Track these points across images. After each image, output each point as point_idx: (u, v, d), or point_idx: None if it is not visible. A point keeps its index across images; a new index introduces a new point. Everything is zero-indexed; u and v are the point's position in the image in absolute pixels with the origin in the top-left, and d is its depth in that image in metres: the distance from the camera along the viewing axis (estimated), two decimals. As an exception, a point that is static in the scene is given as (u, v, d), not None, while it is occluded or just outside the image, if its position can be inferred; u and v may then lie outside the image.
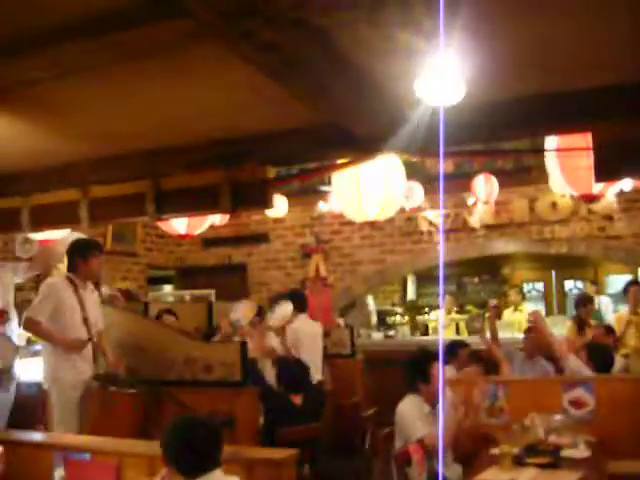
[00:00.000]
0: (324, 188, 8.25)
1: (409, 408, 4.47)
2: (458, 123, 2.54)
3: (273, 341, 6.62)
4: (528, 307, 9.97)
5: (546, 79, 2.75)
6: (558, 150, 3.50)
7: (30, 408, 5.07)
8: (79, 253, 4.99)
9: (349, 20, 2.14)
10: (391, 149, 3.00)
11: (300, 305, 6.89)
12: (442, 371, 4.54)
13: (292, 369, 5.72)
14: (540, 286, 12.21)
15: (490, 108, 2.83)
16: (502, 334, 8.15)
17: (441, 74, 2.08)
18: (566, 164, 3.72)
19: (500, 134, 3.03)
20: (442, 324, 7.63)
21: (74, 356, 4.70)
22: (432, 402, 4.48)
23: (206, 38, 2.18)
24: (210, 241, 10.29)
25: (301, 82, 2.53)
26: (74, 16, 2.16)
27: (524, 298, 10.57)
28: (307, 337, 6.72)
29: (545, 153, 3.68)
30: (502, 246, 9.32)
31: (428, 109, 2.26)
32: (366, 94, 2.69)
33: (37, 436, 4.12)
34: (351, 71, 2.52)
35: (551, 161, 3.82)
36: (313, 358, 6.62)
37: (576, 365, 5.32)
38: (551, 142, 3.66)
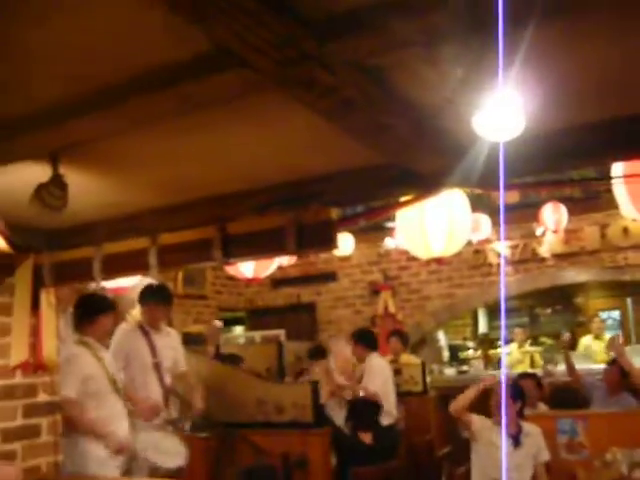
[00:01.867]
0: (389, 224, 8.25)
1: None
2: (518, 155, 2.51)
3: (339, 379, 6.61)
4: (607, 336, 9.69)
5: (608, 105, 2.70)
6: (624, 177, 3.42)
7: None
8: (140, 300, 5.16)
9: (404, 59, 2.15)
10: (452, 184, 2.97)
11: (370, 344, 6.86)
12: (505, 405, 4.43)
13: (361, 408, 5.70)
14: (616, 314, 11.85)
15: (550, 138, 2.79)
16: (580, 365, 7.94)
17: (500, 108, 2.06)
18: (634, 190, 3.64)
19: (561, 164, 2.97)
20: (504, 357, 7.50)
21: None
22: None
23: (266, 85, 2.22)
24: (279, 281, 10.39)
25: (361, 123, 2.54)
26: (138, 70, 2.22)
27: (604, 326, 10.26)
28: (380, 375, 6.68)
29: (612, 181, 3.60)
30: (574, 275, 9.13)
31: (488, 142, 2.23)
32: (426, 131, 2.68)
33: (115, 482, 4.17)
34: (410, 109, 2.52)
35: (619, 187, 3.74)
36: (387, 396, 6.59)
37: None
38: (617, 168, 3.58)
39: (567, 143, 2.79)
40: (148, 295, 5.23)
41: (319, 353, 7.17)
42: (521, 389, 5.13)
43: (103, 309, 4.59)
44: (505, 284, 9.32)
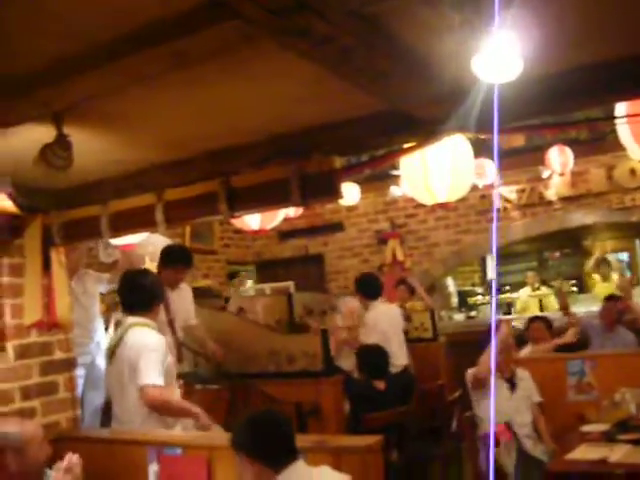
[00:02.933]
0: (395, 172, 8.23)
1: None
2: (517, 98, 2.51)
3: (342, 335, 6.62)
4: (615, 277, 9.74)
5: (608, 45, 2.68)
6: (628, 117, 3.40)
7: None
8: (162, 261, 5.19)
9: (401, 4, 2.14)
10: (452, 129, 2.97)
11: (368, 291, 6.81)
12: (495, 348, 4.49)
13: (371, 355, 5.76)
14: (624, 256, 11.86)
15: (549, 80, 2.77)
16: (590, 308, 8.00)
17: (498, 50, 2.05)
18: (638, 130, 3.62)
19: (561, 106, 2.96)
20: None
21: None
22: None
23: (261, 37, 2.21)
24: (286, 233, 10.43)
25: (360, 71, 2.54)
26: (133, 26, 2.23)
27: (610, 268, 10.30)
28: (383, 323, 6.65)
29: (616, 120, 3.58)
30: (581, 217, 9.12)
31: (486, 87, 2.23)
32: (425, 77, 2.68)
33: (131, 433, 4.26)
34: (408, 55, 2.52)
35: (623, 128, 3.72)
36: (394, 343, 6.59)
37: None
38: (621, 109, 3.56)
39: (566, 85, 2.78)
40: (173, 258, 5.27)
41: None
42: (521, 337, 5.22)
43: (160, 297, 4.44)
44: (512, 228, 9.33)
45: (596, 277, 10.39)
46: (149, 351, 3.86)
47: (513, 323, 7.53)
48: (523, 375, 4.98)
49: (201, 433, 3.90)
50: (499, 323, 5.45)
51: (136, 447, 3.87)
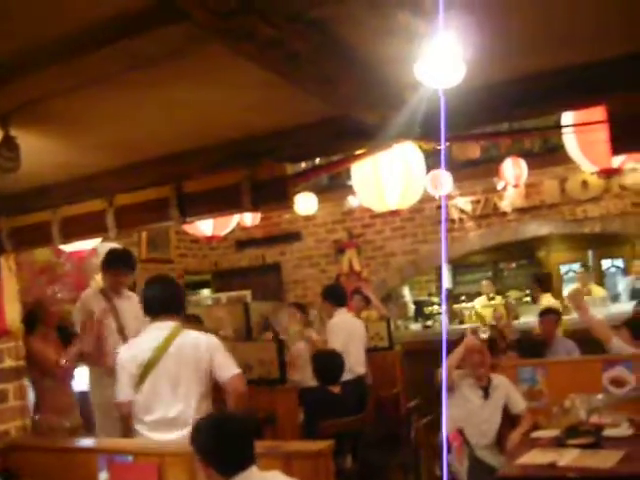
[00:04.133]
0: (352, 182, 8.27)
1: None
2: (460, 107, 2.55)
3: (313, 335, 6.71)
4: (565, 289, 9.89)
5: (552, 54, 2.74)
6: (574, 126, 3.48)
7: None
8: (103, 265, 5.15)
9: (346, 9, 2.17)
10: (398, 136, 3.01)
11: (336, 300, 6.94)
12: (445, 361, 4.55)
13: (327, 360, 5.77)
14: (577, 267, 12.07)
15: (492, 89, 2.82)
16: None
17: (440, 55, 2.09)
18: (583, 140, 3.69)
19: (504, 115, 3.01)
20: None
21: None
22: None
23: (210, 40, 2.22)
24: (243, 243, 10.42)
25: (307, 76, 2.56)
26: (84, 25, 2.22)
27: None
28: (344, 330, 6.75)
29: (562, 130, 3.65)
30: (535, 229, 9.27)
31: (431, 92, 2.27)
32: (370, 81, 2.71)
33: (82, 441, 4.22)
34: (355, 60, 2.55)
35: (569, 138, 3.79)
36: (353, 351, 6.66)
37: (620, 347, 5.27)
38: (567, 118, 3.63)
39: (510, 93, 2.83)
40: (112, 261, 5.21)
41: None
42: (495, 344, 5.26)
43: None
44: (468, 239, 9.45)
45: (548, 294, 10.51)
46: (219, 346, 3.87)
47: (481, 334, 7.60)
48: (500, 383, 4.98)
49: (151, 441, 3.84)
50: (465, 333, 5.53)
51: (87, 455, 3.83)
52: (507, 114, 2.95)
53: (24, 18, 2.17)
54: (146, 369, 3.74)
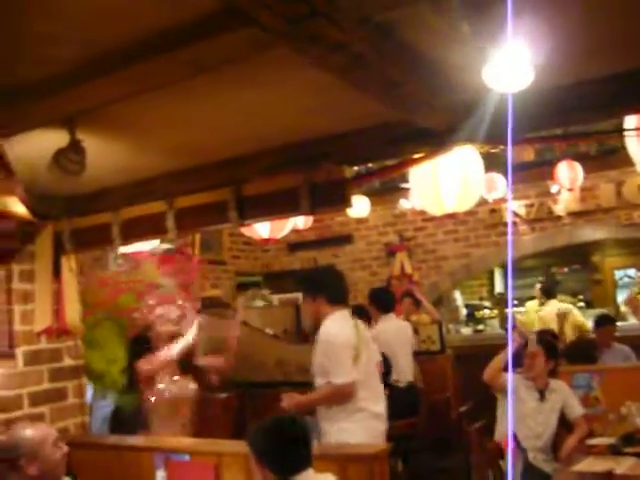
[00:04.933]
0: (404, 185, 8.24)
1: None
2: (525, 110, 2.52)
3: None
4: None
5: (620, 57, 2.69)
6: (637, 129, 3.41)
7: (132, 415, 5.25)
8: None
9: (413, 13, 2.16)
10: (462, 140, 2.98)
11: (383, 306, 6.78)
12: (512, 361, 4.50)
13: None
14: (632, 272, 11.81)
15: (559, 92, 2.78)
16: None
17: (509, 60, 2.07)
18: (645, 143, 3.62)
19: (570, 119, 2.96)
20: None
21: None
22: None
23: (275, 45, 2.23)
24: (295, 245, 10.44)
25: (371, 80, 2.56)
26: (149, 32, 2.25)
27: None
28: (391, 337, 6.59)
29: (625, 134, 3.58)
30: (590, 233, 9.08)
31: (497, 98, 2.25)
32: (436, 86, 2.69)
33: (139, 440, 4.27)
34: (420, 64, 2.54)
35: (631, 142, 3.72)
36: (399, 356, 6.54)
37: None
38: (630, 122, 3.56)
39: (576, 97, 2.79)
40: None
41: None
42: (556, 348, 5.13)
43: None
44: (521, 243, 9.31)
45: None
46: None
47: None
48: (558, 387, 4.89)
49: (209, 440, 3.90)
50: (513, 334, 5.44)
51: (144, 453, 3.89)
52: (573, 117, 2.90)
53: (90, 26, 2.22)
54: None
